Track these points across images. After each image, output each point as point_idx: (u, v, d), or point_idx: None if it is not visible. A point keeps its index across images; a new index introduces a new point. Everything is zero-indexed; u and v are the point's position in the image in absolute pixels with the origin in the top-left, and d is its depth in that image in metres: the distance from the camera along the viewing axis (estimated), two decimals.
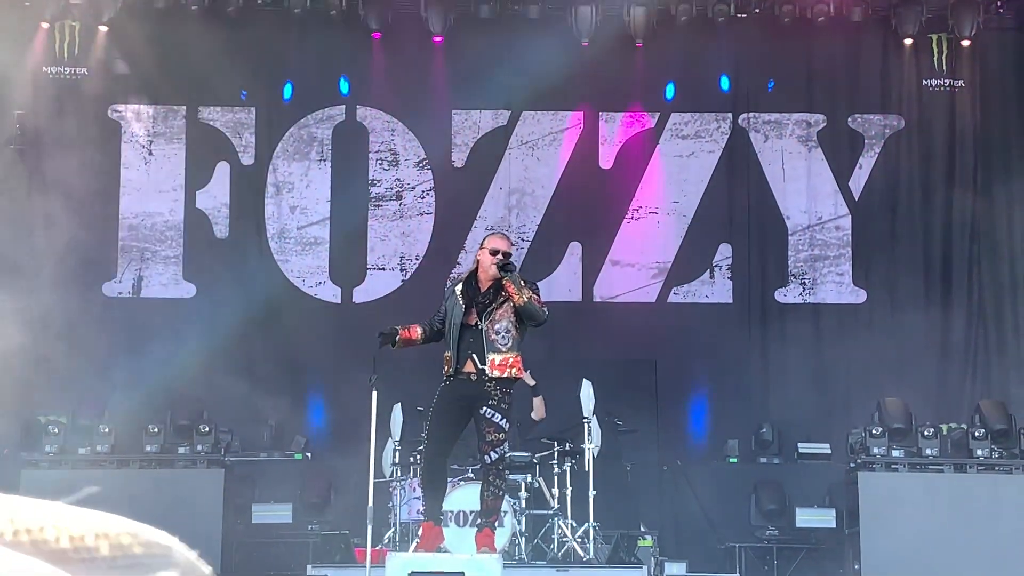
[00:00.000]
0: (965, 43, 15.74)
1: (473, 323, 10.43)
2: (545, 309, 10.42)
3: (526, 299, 10.31)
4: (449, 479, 11.65)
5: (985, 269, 15.92)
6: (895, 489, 12.69)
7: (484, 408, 10.41)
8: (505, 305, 10.40)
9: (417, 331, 10.72)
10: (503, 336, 10.38)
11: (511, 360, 10.38)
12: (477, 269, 10.64)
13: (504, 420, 10.48)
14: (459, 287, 10.60)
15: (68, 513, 1.02)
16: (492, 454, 10.60)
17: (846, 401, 14.82)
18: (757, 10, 15.81)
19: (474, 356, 10.38)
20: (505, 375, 10.36)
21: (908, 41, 15.83)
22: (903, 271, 15.94)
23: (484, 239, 10.94)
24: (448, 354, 10.51)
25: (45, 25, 15.56)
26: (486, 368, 10.33)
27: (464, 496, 12.04)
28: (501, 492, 10.98)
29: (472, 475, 11.87)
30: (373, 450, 11.16)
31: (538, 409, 13.63)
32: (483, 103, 16.12)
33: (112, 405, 13.85)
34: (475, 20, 15.86)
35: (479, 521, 11.15)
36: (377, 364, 12.01)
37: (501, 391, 10.41)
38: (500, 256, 10.47)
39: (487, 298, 10.47)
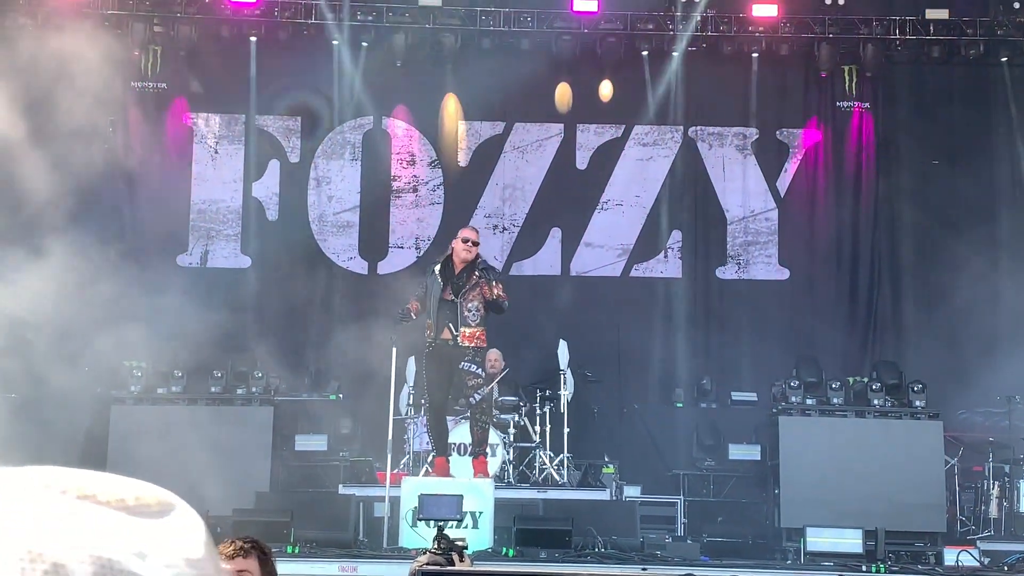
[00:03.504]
0: (870, 74, 15.86)
1: (449, 298, 10.63)
2: (506, 302, 10.70)
3: (495, 296, 10.57)
4: (450, 418, 11.83)
5: (884, 254, 16.00)
6: (808, 430, 12.70)
7: (463, 363, 10.70)
8: (476, 289, 10.63)
9: (417, 305, 10.94)
10: (473, 314, 10.61)
11: (478, 333, 10.67)
12: (452, 254, 10.84)
13: (479, 369, 10.81)
14: (437, 268, 10.80)
15: (99, 477, 0.91)
16: (475, 396, 10.88)
17: (770, 359, 14.87)
18: (704, 45, 15.87)
19: (450, 325, 10.60)
20: (473, 344, 10.66)
21: (824, 73, 15.95)
22: (819, 254, 16.02)
23: (459, 232, 11.19)
24: (429, 322, 10.73)
25: (137, 53, 15.58)
26: (459, 337, 10.60)
27: (463, 431, 12.19)
28: (487, 425, 11.28)
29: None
30: (392, 393, 11.34)
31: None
32: (484, 116, 16.19)
33: (183, 354, 13.91)
34: (478, 49, 15.86)
35: (474, 450, 11.34)
36: (395, 325, 12.12)
37: (474, 349, 10.72)
38: (470, 244, 10.73)
39: (461, 280, 10.66)
